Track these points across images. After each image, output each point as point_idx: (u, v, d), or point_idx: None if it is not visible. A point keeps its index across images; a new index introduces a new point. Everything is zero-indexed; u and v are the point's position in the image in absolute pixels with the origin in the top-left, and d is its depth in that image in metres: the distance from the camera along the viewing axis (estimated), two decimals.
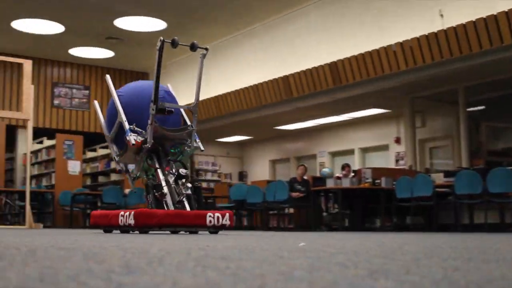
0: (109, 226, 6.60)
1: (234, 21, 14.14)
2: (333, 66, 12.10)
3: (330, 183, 12.56)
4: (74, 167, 15.42)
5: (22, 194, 13.59)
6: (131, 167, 7.13)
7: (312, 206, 12.88)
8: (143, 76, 18.60)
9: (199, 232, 6.39)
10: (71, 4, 13.03)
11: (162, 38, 6.38)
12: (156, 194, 6.40)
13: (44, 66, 17.21)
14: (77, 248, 2.33)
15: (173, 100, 7.04)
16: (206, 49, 6.88)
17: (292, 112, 14.51)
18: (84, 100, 17.74)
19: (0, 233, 5.12)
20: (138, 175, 6.85)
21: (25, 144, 15.83)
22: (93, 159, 18.04)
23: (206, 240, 3.73)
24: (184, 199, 6.35)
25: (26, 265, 1.45)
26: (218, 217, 6.30)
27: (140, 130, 6.52)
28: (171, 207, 6.32)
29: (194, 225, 6.26)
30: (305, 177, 13.46)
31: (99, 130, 17.80)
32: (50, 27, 14.53)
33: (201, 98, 15.41)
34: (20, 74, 15.22)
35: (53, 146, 15.96)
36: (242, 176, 20.23)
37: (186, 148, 6.80)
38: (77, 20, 14.02)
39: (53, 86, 17.31)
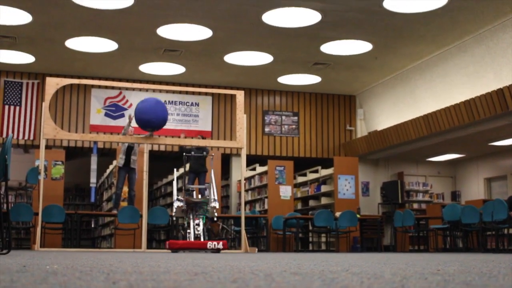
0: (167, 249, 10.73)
1: (442, 37, 13.74)
2: None
3: None
4: (286, 192, 15.78)
5: (237, 220, 14.15)
6: None
7: None
8: (350, 99, 18.69)
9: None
10: (278, 34, 13.47)
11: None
12: (182, 232, 11.39)
13: (255, 96, 17.93)
14: (310, 273, 2.34)
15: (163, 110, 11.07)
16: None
17: (508, 127, 13.74)
18: (293, 126, 18.19)
19: (222, 257, 5.33)
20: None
21: (239, 171, 16.55)
22: (303, 184, 18.37)
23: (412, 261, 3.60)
24: (200, 234, 10.82)
25: None
26: (215, 244, 10.45)
27: (182, 199, 11.24)
28: (192, 239, 10.71)
29: (200, 249, 10.47)
30: None
31: (308, 155, 18.16)
32: (259, 58, 15.14)
33: (409, 118, 15.25)
34: (233, 105, 16.01)
35: (265, 172, 16.50)
36: (455, 195, 19.48)
37: (207, 207, 11.13)
38: (284, 49, 14.46)
39: (264, 114, 17.97)
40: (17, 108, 16.03)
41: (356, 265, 3.46)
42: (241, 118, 11.63)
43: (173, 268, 2.68)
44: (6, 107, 15.99)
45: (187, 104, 17.13)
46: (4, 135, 15.85)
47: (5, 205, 6.39)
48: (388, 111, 17.16)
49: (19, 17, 12.53)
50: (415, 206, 18.70)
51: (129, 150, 13.26)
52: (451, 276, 2.09)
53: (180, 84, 16.75)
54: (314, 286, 1.63)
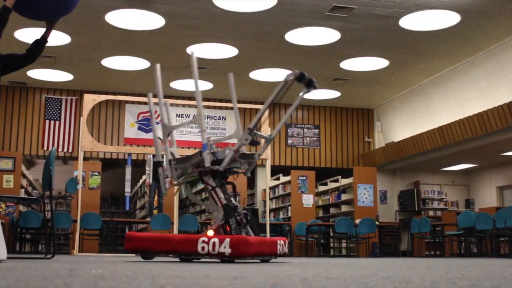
0: (172, 252, 5.65)
1: (456, 53, 13.65)
2: None
3: None
4: (308, 200, 15.73)
5: (263, 226, 14.11)
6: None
7: None
8: (368, 112, 18.62)
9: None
10: (300, 52, 13.48)
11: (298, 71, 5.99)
12: (238, 218, 5.73)
13: (278, 110, 17.91)
14: (342, 277, 2.32)
15: None
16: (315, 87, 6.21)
17: None
18: (315, 138, 18.16)
19: (252, 263, 5.31)
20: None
21: (264, 181, 16.52)
22: (324, 192, 18.30)
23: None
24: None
25: None
26: (283, 244, 5.77)
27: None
28: (251, 234, 5.71)
29: (270, 254, 5.64)
30: None
31: (328, 165, 18.08)
32: (282, 75, 15.11)
33: (425, 129, 15.13)
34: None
35: (288, 182, 16.46)
36: (469, 203, 19.28)
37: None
38: (306, 66, 14.44)
39: (287, 127, 17.96)
40: (57, 122, 16.20)
41: (381, 270, 3.42)
42: (265, 131, 11.63)
43: (211, 273, 2.68)
44: (47, 121, 16.17)
45: (215, 118, 17.19)
46: (45, 147, 16.01)
47: (49, 213, 6.43)
48: (404, 124, 17.06)
49: (59, 38, 12.68)
50: (431, 213, 18.53)
51: (157, 165, 13.32)
52: (477, 281, 2.06)
53: (208, 99, 16.77)
54: None
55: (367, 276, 2.47)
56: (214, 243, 5.21)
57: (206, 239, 5.27)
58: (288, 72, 7.42)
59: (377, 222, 14.76)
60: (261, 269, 3.40)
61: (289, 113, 6.30)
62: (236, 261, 5.22)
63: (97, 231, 12.87)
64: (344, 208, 16.94)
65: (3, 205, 13.28)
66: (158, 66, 6.61)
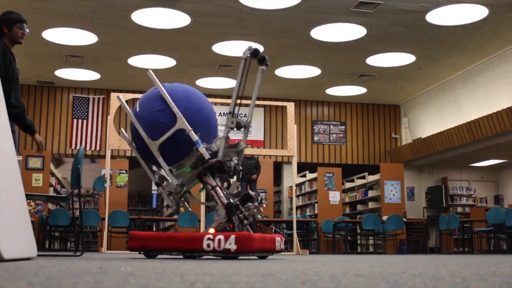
0: (177, 250, 5.62)
1: (484, 47, 13.48)
2: None
3: None
4: (335, 197, 15.68)
5: (289, 223, 14.11)
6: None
7: None
8: (395, 108, 18.50)
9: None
10: (326, 49, 13.43)
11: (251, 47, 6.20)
12: (241, 215, 5.82)
13: (304, 107, 17.89)
14: (371, 275, 2.31)
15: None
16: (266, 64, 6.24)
17: None
18: (341, 135, 18.09)
19: (279, 260, 5.30)
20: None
21: (291, 178, 16.51)
22: (351, 189, 18.23)
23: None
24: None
25: None
26: (280, 241, 5.89)
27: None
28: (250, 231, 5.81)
29: (269, 250, 5.72)
30: None
31: (355, 162, 18.00)
32: (308, 71, 15.10)
33: (452, 125, 14.97)
34: (284, 116, 16.00)
35: (315, 179, 16.43)
36: (498, 199, 19.06)
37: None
38: (332, 62, 14.40)
39: (313, 124, 17.92)
40: (85, 121, 16.36)
41: (410, 267, 3.40)
42: (291, 128, 11.60)
43: (240, 270, 2.68)
44: (75, 120, 16.34)
45: (241, 115, 17.12)
46: (73, 146, 16.18)
47: (77, 211, 6.49)
48: (431, 119, 16.91)
49: (86, 38, 12.79)
50: (459, 209, 18.37)
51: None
52: (510, 278, 2.04)
53: None
54: (381, 287, 1.61)
55: (396, 273, 2.46)
56: (219, 240, 5.30)
57: (211, 236, 5.35)
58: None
59: (404, 219, 14.67)
60: (288, 266, 3.39)
61: (256, 93, 6.32)
62: (239, 257, 5.35)
63: (125, 229, 12.97)
64: (371, 205, 16.87)
65: (32, 203, 13.46)
66: (120, 97, 6.65)
